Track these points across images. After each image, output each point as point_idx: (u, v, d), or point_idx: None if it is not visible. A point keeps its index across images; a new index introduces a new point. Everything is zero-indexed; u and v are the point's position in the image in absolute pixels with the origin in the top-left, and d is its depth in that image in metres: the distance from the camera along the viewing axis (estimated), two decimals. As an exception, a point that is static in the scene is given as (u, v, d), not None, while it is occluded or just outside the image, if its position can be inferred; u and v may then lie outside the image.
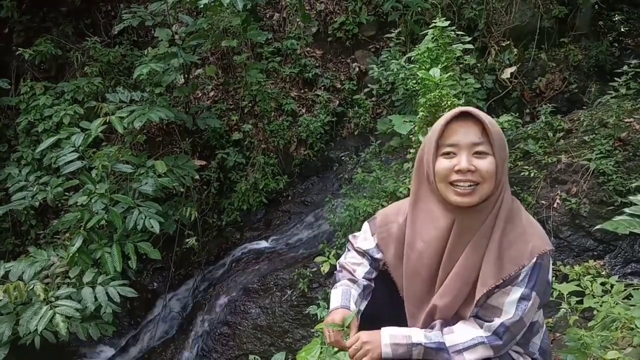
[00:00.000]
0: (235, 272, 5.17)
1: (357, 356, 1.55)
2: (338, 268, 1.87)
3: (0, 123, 5.98)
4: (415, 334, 1.54)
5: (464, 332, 1.52)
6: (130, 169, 4.41)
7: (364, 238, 1.86)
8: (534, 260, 1.48)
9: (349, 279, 1.80)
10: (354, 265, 1.83)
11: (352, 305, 1.72)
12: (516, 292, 1.49)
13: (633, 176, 3.70)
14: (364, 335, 1.56)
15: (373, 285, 1.81)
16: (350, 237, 1.94)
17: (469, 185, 1.49)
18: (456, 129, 1.52)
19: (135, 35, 6.58)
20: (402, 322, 1.65)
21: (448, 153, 1.53)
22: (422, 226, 1.64)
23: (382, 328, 1.57)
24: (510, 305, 1.49)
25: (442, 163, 1.54)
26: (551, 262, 1.56)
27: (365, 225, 1.89)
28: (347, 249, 1.93)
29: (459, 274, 1.54)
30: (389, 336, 1.54)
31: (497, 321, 1.50)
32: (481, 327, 1.52)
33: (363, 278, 1.80)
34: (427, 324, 1.62)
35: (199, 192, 5.62)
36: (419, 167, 1.63)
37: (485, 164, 1.49)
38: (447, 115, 1.55)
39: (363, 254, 1.85)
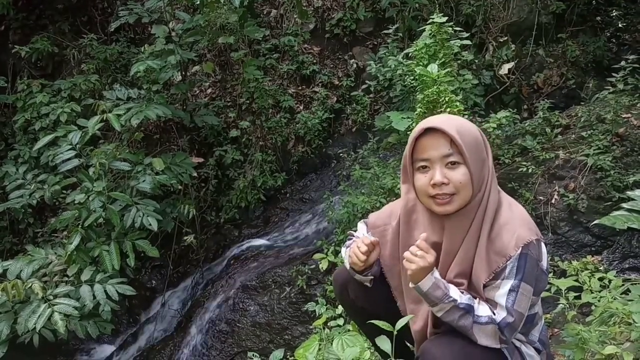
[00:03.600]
0: (233, 270, 5.17)
1: (411, 258, 1.53)
2: (348, 243, 1.89)
3: (-3, 121, 5.97)
4: (452, 289, 1.54)
5: (484, 308, 1.54)
6: (128, 166, 4.41)
7: (362, 234, 1.88)
8: (519, 251, 1.51)
9: None
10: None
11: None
12: (506, 285, 1.52)
13: (631, 171, 3.70)
14: (432, 254, 1.54)
15: (379, 270, 1.82)
16: (350, 232, 1.97)
17: (447, 196, 1.55)
18: (426, 144, 1.58)
19: (132, 33, 6.56)
20: (399, 318, 1.67)
21: (423, 167, 1.59)
22: (415, 228, 1.70)
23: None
24: (502, 298, 1.52)
25: (420, 179, 1.60)
26: (544, 249, 1.58)
27: (361, 224, 1.94)
28: (349, 238, 1.95)
29: (458, 273, 1.59)
30: (436, 278, 1.54)
31: (498, 315, 1.52)
32: (491, 310, 1.56)
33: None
34: (434, 323, 1.65)
35: (197, 189, 5.61)
36: (404, 173, 1.68)
37: (457, 175, 1.54)
38: (415, 130, 1.60)
39: None
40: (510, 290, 1.51)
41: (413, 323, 1.71)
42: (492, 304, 1.55)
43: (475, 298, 1.59)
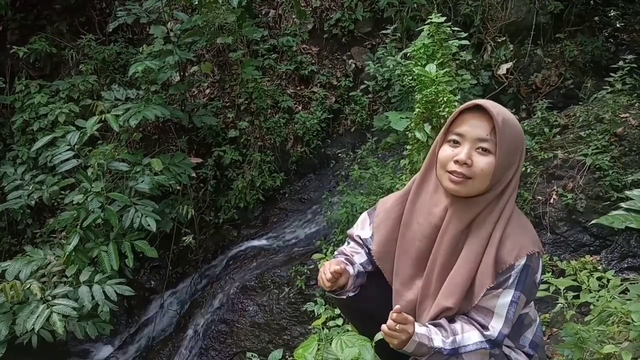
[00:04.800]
0: (232, 270, 5.17)
1: (390, 333, 1.48)
2: (336, 253, 1.88)
3: (-5, 122, 5.96)
4: (435, 337, 1.52)
5: (469, 335, 1.53)
6: (126, 167, 4.41)
7: (362, 227, 1.87)
8: (523, 261, 1.50)
9: (346, 258, 1.81)
10: (352, 252, 1.84)
11: (349, 267, 1.72)
12: (507, 295, 1.51)
13: (629, 171, 3.70)
14: (411, 322, 1.49)
15: (364, 280, 1.80)
16: (348, 231, 1.94)
17: (462, 176, 1.52)
18: (467, 120, 1.54)
19: (130, 33, 6.55)
20: None
21: (454, 141, 1.55)
22: (421, 207, 1.67)
23: (415, 322, 1.53)
24: (502, 309, 1.51)
25: (445, 151, 1.57)
26: (541, 263, 1.58)
27: (364, 215, 1.89)
28: (347, 242, 1.93)
29: (461, 272, 1.55)
30: (419, 335, 1.50)
31: (494, 331, 1.51)
32: (480, 333, 1.53)
33: (360, 264, 1.80)
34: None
35: (195, 190, 5.60)
36: (433, 149, 1.65)
37: (483, 162, 1.50)
38: (465, 104, 1.56)
39: (361, 244, 1.85)
40: (511, 302, 1.50)
41: (396, 302, 1.69)
42: (487, 312, 1.53)
43: (456, 321, 1.56)
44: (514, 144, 1.52)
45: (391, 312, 1.48)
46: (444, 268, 1.59)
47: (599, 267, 2.82)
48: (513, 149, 1.52)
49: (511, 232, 1.54)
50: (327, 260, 4.17)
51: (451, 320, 1.59)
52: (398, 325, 1.47)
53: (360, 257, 1.82)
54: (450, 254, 1.58)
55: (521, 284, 1.50)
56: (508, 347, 1.63)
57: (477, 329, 1.54)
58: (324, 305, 3.39)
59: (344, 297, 1.74)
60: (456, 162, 1.51)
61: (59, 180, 4.76)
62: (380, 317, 1.56)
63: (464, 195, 1.54)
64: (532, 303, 1.66)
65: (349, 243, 1.92)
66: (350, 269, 1.74)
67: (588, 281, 2.35)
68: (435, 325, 1.57)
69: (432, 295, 1.62)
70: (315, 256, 4.25)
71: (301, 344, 1.80)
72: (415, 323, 1.52)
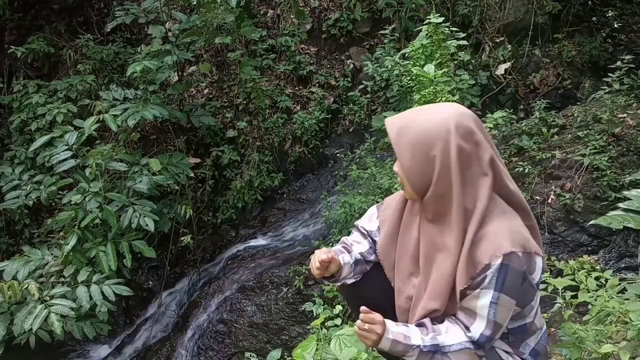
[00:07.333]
0: (230, 270, 5.16)
1: (361, 333, 1.53)
2: (339, 242, 1.92)
3: (-7, 122, 5.95)
4: (414, 335, 1.54)
5: (453, 335, 1.54)
6: (125, 167, 4.40)
7: (369, 220, 1.91)
8: (499, 261, 1.46)
9: (343, 247, 1.86)
10: (353, 242, 1.88)
11: (340, 257, 1.76)
12: (486, 296, 1.49)
13: (627, 171, 3.71)
14: (379, 322, 1.52)
15: (367, 268, 1.83)
16: (356, 222, 1.98)
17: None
18: None
19: (129, 33, 6.55)
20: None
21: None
22: (418, 207, 1.71)
23: (386, 320, 1.55)
24: (483, 309, 1.50)
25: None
26: (538, 263, 1.52)
27: (373, 208, 1.94)
28: (351, 232, 1.96)
29: (440, 274, 1.57)
30: (391, 332, 1.53)
31: (475, 332, 1.51)
32: (464, 333, 1.54)
33: (359, 253, 1.83)
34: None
35: (193, 190, 5.60)
36: None
37: (396, 168, 1.61)
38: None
39: (365, 235, 1.89)
40: (491, 302, 1.48)
41: (397, 299, 1.72)
42: (471, 313, 1.53)
43: (444, 321, 1.57)
44: (417, 143, 1.53)
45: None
46: (431, 266, 1.62)
47: (597, 267, 2.83)
48: (418, 147, 1.53)
49: (489, 232, 1.51)
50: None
51: (441, 321, 1.60)
52: (366, 325, 1.50)
53: (361, 247, 1.85)
54: (432, 253, 1.61)
55: (500, 284, 1.47)
56: (506, 352, 1.62)
57: (462, 329, 1.55)
58: (323, 305, 3.39)
59: (340, 283, 1.78)
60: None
61: (57, 180, 4.75)
62: (386, 307, 1.62)
63: (413, 199, 1.66)
64: (537, 310, 1.63)
65: (352, 233, 1.95)
66: (346, 257, 1.79)
67: (586, 281, 2.35)
68: (418, 325, 1.59)
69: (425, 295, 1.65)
70: (314, 256, 4.25)
71: (300, 343, 1.80)
72: (390, 322, 1.54)
